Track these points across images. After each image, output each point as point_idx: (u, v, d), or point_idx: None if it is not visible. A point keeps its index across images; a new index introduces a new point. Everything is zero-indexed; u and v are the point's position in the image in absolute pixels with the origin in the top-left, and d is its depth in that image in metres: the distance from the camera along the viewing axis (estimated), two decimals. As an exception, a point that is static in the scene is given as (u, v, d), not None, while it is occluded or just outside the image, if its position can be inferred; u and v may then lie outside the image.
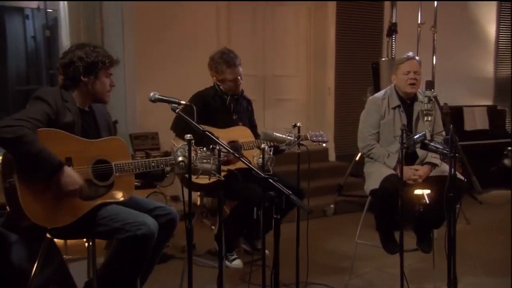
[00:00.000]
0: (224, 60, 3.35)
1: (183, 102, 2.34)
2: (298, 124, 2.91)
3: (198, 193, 4.90)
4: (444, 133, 3.59)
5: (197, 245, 3.94)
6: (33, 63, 5.72)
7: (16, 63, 5.75)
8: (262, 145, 2.61)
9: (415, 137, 2.99)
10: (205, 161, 2.27)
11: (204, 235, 4.13)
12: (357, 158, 5.17)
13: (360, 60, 6.16)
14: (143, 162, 2.50)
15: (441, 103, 4.30)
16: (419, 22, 5.09)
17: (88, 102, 2.56)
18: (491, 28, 7.33)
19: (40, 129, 2.26)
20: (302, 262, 2.79)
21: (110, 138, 2.55)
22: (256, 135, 3.45)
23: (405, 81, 3.44)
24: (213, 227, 4.48)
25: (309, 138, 3.26)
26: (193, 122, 2.26)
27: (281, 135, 2.83)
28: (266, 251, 3.21)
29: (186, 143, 2.15)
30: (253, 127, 3.51)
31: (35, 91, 2.43)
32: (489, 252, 4.16)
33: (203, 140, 2.32)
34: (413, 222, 3.57)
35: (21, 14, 5.69)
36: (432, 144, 3.00)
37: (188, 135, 2.14)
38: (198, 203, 4.99)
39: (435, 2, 5.02)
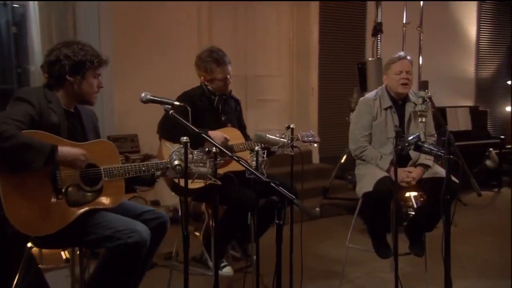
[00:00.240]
0: (213, 59, 3.29)
1: (176, 102, 2.29)
2: (291, 126, 2.89)
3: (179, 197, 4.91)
4: (435, 134, 3.64)
5: (179, 251, 3.88)
6: (-2, 61, 5.54)
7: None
8: (256, 148, 2.59)
9: (409, 138, 3.00)
10: (201, 164, 2.23)
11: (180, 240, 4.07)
12: (342, 161, 5.18)
13: (343, 60, 6.19)
14: (133, 166, 2.43)
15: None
16: (404, 21, 5.14)
17: (73, 103, 2.48)
18: (471, 29, 7.47)
19: (24, 131, 2.17)
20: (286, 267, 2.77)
21: (98, 141, 2.47)
22: (245, 136, 3.41)
23: (397, 81, 3.45)
24: (196, 233, 4.42)
25: (300, 139, 3.24)
26: (188, 123, 2.21)
27: (274, 137, 2.80)
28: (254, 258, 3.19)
29: (181, 146, 2.10)
30: (242, 128, 3.47)
31: (16, 91, 2.34)
32: (478, 254, 4.22)
33: (194, 142, 2.28)
34: (405, 225, 3.60)
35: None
36: (426, 145, 3.01)
37: (185, 138, 2.09)
38: (180, 208, 4.99)
39: (421, 2, 5.08)
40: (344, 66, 6.18)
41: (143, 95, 2.36)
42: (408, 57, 3.58)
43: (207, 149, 2.23)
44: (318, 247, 4.35)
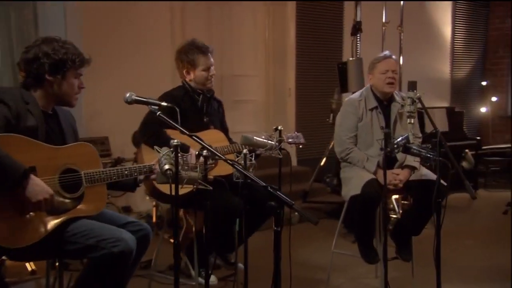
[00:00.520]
0: (196, 47, 3.23)
1: (164, 103, 2.24)
2: (279, 128, 2.87)
3: (153, 203, 4.83)
4: (421, 136, 3.69)
5: (155, 259, 3.81)
6: None
7: None
8: (244, 150, 2.56)
9: (398, 140, 3.02)
10: (186, 167, 2.18)
11: (162, 248, 4.00)
12: (322, 163, 5.20)
13: (321, 60, 6.22)
14: (115, 171, 2.36)
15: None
16: (383, 21, 5.20)
17: (52, 104, 2.39)
18: (446, 29, 7.63)
19: (-1, 135, 2.08)
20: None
21: (78, 144, 2.38)
22: (228, 139, 3.37)
23: (383, 80, 3.48)
24: (171, 240, 4.34)
25: (285, 140, 3.22)
26: (177, 125, 2.16)
27: (261, 139, 2.77)
28: (240, 265, 3.15)
29: (171, 149, 2.05)
30: (224, 131, 3.43)
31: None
32: (459, 258, 4.28)
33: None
34: (391, 229, 3.63)
35: None
36: (414, 147, 3.04)
37: (175, 140, 2.03)
38: (153, 214, 4.91)
39: (402, 2, 5.15)
40: (322, 66, 6.21)
41: (127, 95, 2.29)
42: (394, 56, 3.62)
43: (197, 152, 2.18)
44: (299, 253, 4.34)
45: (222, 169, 2.66)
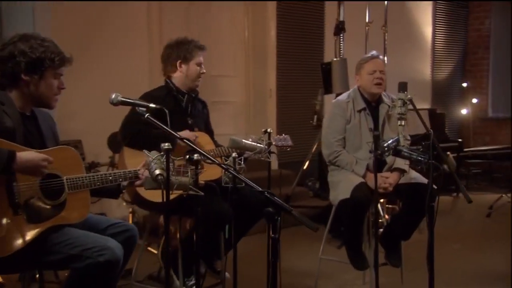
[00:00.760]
0: (193, 42, 3.24)
1: (152, 105, 2.19)
2: (268, 130, 2.85)
3: (129, 209, 4.74)
4: (409, 138, 3.71)
5: (134, 269, 3.74)
6: None
7: None
8: (234, 154, 2.53)
9: (389, 142, 3.02)
10: (173, 173, 2.13)
11: (141, 258, 3.93)
12: (305, 167, 5.20)
13: (303, 61, 6.22)
14: (99, 176, 2.30)
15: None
16: (367, 20, 5.23)
17: (29, 105, 2.31)
18: (427, 29, 7.73)
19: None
20: (262, 284, 2.73)
21: (60, 148, 2.31)
22: (214, 141, 3.33)
23: (371, 81, 3.49)
24: (149, 248, 4.28)
25: (273, 143, 3.20)
26: (167, 128, 2.11)
27: (250, 143, 2.75)
28: (227, 274, 3.11)
29: (162, 153, 2.01)
30: (210, 133, 3.38)
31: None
32: (447, 262, 4.31)
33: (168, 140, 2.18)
34: (380, 234, 3.63)
35: None
36: (405, 150, 3.05)
37: (166, 144, 1.99)
38: (130, 221, 4.82)
39: (385, 2, 5.19)
40: (303, 66, 6.21)
41: (113, 96, 2.24)
42: (381, 56, 3.64)
43: (187, 156, 2.14)
44: (284, 260, 4.25)
45: (209, 173, 2.62)
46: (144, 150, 2.04)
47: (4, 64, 2.21)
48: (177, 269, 3.06)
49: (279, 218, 1.92)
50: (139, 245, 3.40)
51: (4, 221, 2.06)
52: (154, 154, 2.05)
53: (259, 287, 2.66)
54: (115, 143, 4.33)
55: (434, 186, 3.43)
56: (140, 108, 2.17)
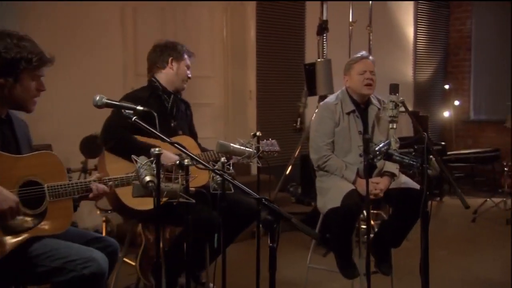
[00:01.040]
0: (185, 47, 3.29)
1: (140, 107, 2.14)
2: (257, 134, 2.83)
3: (103, 218, 4.66)
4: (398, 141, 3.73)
5: (113, 282, 3.67)
6: None
7: None
8: (222, 159, 2.50)
9: (380, 146, 3.03)
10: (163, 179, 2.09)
11: (119, 271, 3.86)
12: (287, 172, 5.19)
13: (283, 61, 6.22)
14: (83, 184, 2.25)
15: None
16: (350, 20, 5.26)
17: (5, 108, 2.24)
18: (409, 30, 7.82)
19: None
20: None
21: (41, 153, 2.24)
22: (198, 144, 3.29)
23: (361, 82, 3.50)
24: (125, 259, 4.21)
25: (260, 148, 3.18)
26: (156, 131, 2.07)
27: (239, 147, 2.72)
28: (211, 285, 3.08)
29: (152, 158, 1.96)
30: (193, 136, 3.35)
31: None
32: (436, 269, 4.35)
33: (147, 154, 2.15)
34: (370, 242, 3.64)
35: None
36: (397, 154, 3.06)
37: (157, 149, 1.94)
38: (103, 230, 4.74)
39: (370, 2, 5.23)
40: (284, 67, 6.22)
41: (97, 98, 2.18)
42: (371, 57, 3.65)
43: (177, 161, 2.10)
44: (266, 268, 4.30)
45: (196, 179, 2.59)
46: (132, 156, 1.99)
47: None
48: (161, 282, 3.00)
49: (278, 226, 1.89)
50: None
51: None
52: (142, 159, 2.01)
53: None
54: (89, 147, 4.26)
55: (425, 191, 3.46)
56: (127, 111, 2.12)
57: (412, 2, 7.78)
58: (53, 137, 4.65)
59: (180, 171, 2.11)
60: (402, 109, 3.22)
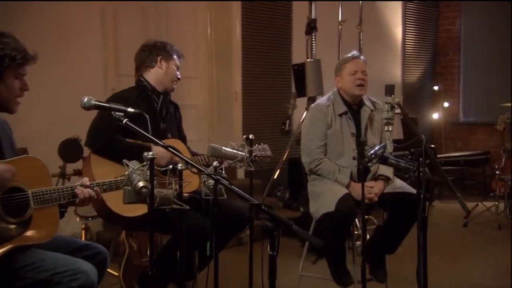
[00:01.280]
0: (175, 48, 3.28)
1: (131, 109, 2.11)
2: (250, 137, 2.81)
3: (82, 225, 4.60)
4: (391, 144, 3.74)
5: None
6: None
7: None
8: (214, 163, 2.48)
9: (375, 149, 3.03)
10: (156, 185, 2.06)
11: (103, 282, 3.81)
12: (275, 176, 5.17)
13: (270, 62, 6.21)
14: (70, 189, 2.20)
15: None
16: (339, 19, 5.27)
17: (-13, 109, 2.20)
18: (397, 29, 7.87)
19: None
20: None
21: (24, 158, 2.20)
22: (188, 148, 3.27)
23: (352, 82, 3.51)
24: (112, 271, 4.16)
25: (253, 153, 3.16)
26: (148, 134, 2.04)
27: (231, 150, 2.71)
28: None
29: (145, 163, 1.93)
30: (183, 139, 3.32)
31: None
32: (429, 276, 4.37)
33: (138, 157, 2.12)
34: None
35: None
36: (393, 157, 3.07)
37: (150, 153, 1.92)
38: (83, 237, 4.67)
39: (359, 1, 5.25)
40: (271, 68, 6.20)
41: (85, 100, 2.15)
42: (362, 57, 3.66)
43: (170, 166, 2.08)
44: (258, 276, 4.27)
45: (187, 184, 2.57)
46: (124, 160, 1.96)
47: None
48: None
49: (278, 233, 1.87)
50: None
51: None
52: (135, 164, 1.98)
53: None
54: (68, 151, 4.19)
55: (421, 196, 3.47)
56: (117, 113, 2.09)
57: (400, 2, 7.83)
58: (29, 140, 4.55)
59: (173, 176, 2.09)
60: (398, 110, 3.25)
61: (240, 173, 5.98)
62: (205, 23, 6.07)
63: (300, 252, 4.34)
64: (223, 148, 2.67)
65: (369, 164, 3.14)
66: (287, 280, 3.99)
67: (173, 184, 2.05)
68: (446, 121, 8.14)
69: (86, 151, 3.70)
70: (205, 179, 2.54)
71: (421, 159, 2.91)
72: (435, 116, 8.11)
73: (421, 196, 2.83)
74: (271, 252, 1.90)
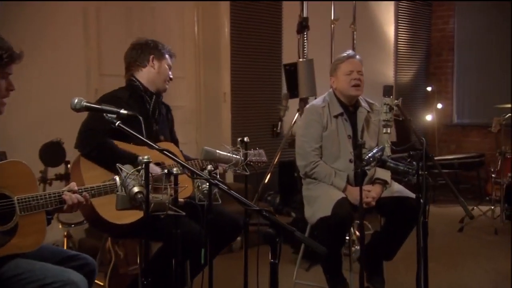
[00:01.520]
0: (166, 47, 3.28)
1: (123, 111, 2.08)
2: (245, 139, 2.79)
3: (64, 233, 4.55)
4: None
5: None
6: None
7: None
8: (209, 167, 2.45)
9: (373, 152, 3.03)
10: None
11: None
12: (266, 181, 5.15)
13: (260, 62, 6.19)
14: (56, 195, 2.16)
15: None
16: (332, 18, 5.27)
17: (-28, 111, 2.15)
18: (389, 29, 7.89)
19: None
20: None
21: (9, 162, 2.15)
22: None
23: (348, 82, 3.51)
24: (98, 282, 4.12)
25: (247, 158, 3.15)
26: (143, 138, 2.01)
27: (226, 154, 2.69)
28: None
29: (139, 167, 1.91)
30: (175, 142, 3.29)
31: None
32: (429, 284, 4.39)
33: (132, 161, 2.10)
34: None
35: None
36: (391, 161, 3.07)
37: (146, 157, 1.89)
38: (65, 245, 4.62)
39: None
40: (260, 68, 6.18)
41: (76, 101, 2.11)
42: (358, 56, 3.67)
43: (166, 170, 2.05)
44: (250, 285, 4.25)
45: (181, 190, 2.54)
46: (117, 164, 1.93)
47: None
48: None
49: (280, 240, 1.85)
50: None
51: None
52: (128, 168, 1.94)
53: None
54: (50, 155, 4.14)
55: (421, 200, 3.47)
56: (109, 115, 2.05)
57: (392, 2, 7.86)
58: (8, 143, 4.49)
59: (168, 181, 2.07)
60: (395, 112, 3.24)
61: (229, 177, 5.95)
62: (192, 21, 6.04)
63: (292, 259, 4.33)
64: (217, 151, 2.65)
65: (367, 168, 3.14)
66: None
67: (168, 189, 2.01)
68: (440, 123, 8.15)
69: (71, 155, 3.66)
70: (199, 184, 2.53)
71: (422, 162, 2.90)
72: (428, 118, 8.13)
73: (422, 200, 2.83)
74: (272, 260, 1.87)
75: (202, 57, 6.05)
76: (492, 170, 6.12)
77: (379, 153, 3.03)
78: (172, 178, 2.06)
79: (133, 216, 2.55)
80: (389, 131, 3.16)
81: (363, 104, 3.63)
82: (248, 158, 3.01)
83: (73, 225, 4.39)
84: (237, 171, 2.74)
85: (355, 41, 5.26)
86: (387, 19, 7.85)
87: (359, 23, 5.64)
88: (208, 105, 6.07)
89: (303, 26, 5.06)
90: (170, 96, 5.84)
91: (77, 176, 2.76)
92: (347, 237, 4.34)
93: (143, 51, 3.17)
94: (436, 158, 7.38)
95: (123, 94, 3.07)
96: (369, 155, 2.97)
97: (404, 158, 3.17)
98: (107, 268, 3.72)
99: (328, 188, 3.40)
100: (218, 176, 2.48)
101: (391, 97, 3.11)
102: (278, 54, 6.34)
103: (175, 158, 1.99)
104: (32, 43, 4.72)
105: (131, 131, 2.02)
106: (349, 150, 3.45)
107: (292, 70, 4.88)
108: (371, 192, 3.40)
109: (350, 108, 3.59)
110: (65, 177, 3.89)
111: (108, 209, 2.55)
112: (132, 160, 2.48)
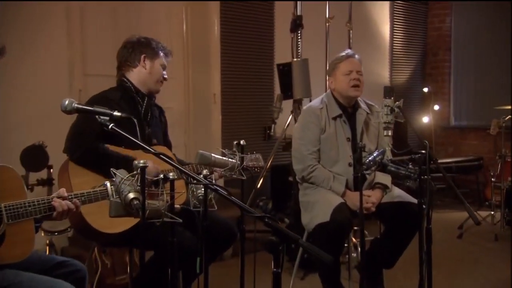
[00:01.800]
0: (161, 45, 3.26)
1: (117, 113, 2.06)
2: (241, 142, 2.78)
3: (47, 241, 4.51)
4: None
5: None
6: None
7: None
8: (204, 171, 2.44)
9: (374, 155, 3.03)
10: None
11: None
12: (258, 185, 5.14)
13: (251, 62, 6.19)
14: (45, 201, 2.14)
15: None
16: (327, 16, 5.27)
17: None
18: (385, 28, 7.91)
19: None
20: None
21: (-4, 167, 2.13)
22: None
23: (347, 83, 3.52)
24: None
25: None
26: (137, 141, 2.00)
27: (221, 158, 2.68)
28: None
29: (135, 172, 1.89)
30: (168, 145, 3.27)
31: None
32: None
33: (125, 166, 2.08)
34: (359, 261, 3.65)
35: None
36: (392, 164, 3.08)
37: (142, 161, 1.87)
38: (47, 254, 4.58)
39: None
40: (252, 69, 6.17)
41: (66, 103, 2.09)
42: (357, 55, 3.67)
43: (162, 175, 2.03)
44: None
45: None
46: (111, 169, 1.91)
47: None
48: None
49: (284, 248, 1.84)
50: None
51: None
52: (123, 173, 1.92)
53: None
54: (31, 159, 4.10)
55: (424, 206, 3.48)
56: (102, 117, 2.03)
57: (388, -1, 7.88)
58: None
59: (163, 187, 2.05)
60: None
61: (220, 183, 5.93)
62: (181, 20, 6.03)
63: (286, 267, 4.32)
64: (212, 155, 2.64)
65: (367, 172, 3.15)
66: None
67: (164, 195, 2.00)
68: (437, 125, 8.15)
69: (54, 159, 3.62)
70: (194, 189, 2.51)
71: (425, 165, 2.91)
72: (425, 119, 8.14)
73: (424, 206, 2.84)
74: (275, 269, 1.86)
75: (191, 57, 6.04)
76: (492, 173, 6.13)
77: (380, 157, 3.04)
78: (168, 183, 2.03)
79: (124, 224, 2.53)
80: (390, 133, 3.17)
81: (362, 105, 3.63)
82: (244, 163, 3.00)
83: (56, 233, 4.35)
84: (233, 175, 2.72)
85: (351, 40, 5.26)
86: (382, 18, 7.86)
87: (353, 22, 5.66)
88: (197, 106, 6.05)
89: (297, 24, 5.04)
90: (158, 96, 5.82)
91: (65, 183, 2.72)
92: (346, 244, 4.36)
93: (134, 50, 3.15)
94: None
95: (114, 95, 3.03)
96: (370, 158, 2.97)
97: (404, 161, 3.18)
98: (93, 278, 3.69)
99: (326, 193, 3.39)
100: (214, 181, 2.46)
101: (392, 98, 3.12)
102: (270, 54, 6.35)
103: (172, 163, 1.97)
104: (14, 43, 4.69)
105: (126, 134, 2.01)
106: (348, 153, 3.45)
107: (286, 70, 4.88)
108: (371, 197, 3.40)
109: (348, 110, 3.59)
110: (47, 183, 3.83)
111: (98, 217, 2.53)
112: (130, 163, 2.45)
